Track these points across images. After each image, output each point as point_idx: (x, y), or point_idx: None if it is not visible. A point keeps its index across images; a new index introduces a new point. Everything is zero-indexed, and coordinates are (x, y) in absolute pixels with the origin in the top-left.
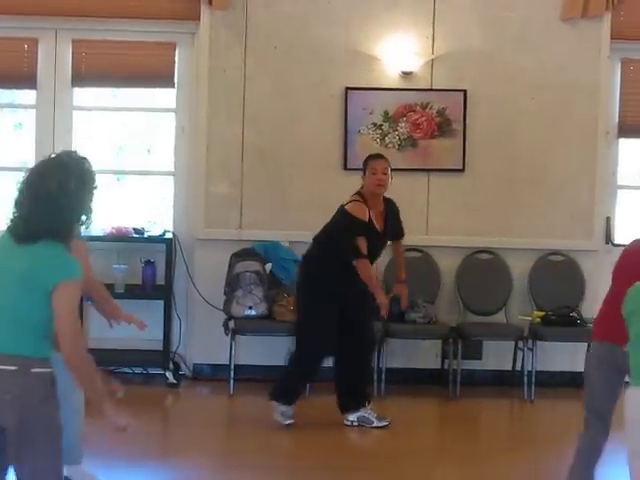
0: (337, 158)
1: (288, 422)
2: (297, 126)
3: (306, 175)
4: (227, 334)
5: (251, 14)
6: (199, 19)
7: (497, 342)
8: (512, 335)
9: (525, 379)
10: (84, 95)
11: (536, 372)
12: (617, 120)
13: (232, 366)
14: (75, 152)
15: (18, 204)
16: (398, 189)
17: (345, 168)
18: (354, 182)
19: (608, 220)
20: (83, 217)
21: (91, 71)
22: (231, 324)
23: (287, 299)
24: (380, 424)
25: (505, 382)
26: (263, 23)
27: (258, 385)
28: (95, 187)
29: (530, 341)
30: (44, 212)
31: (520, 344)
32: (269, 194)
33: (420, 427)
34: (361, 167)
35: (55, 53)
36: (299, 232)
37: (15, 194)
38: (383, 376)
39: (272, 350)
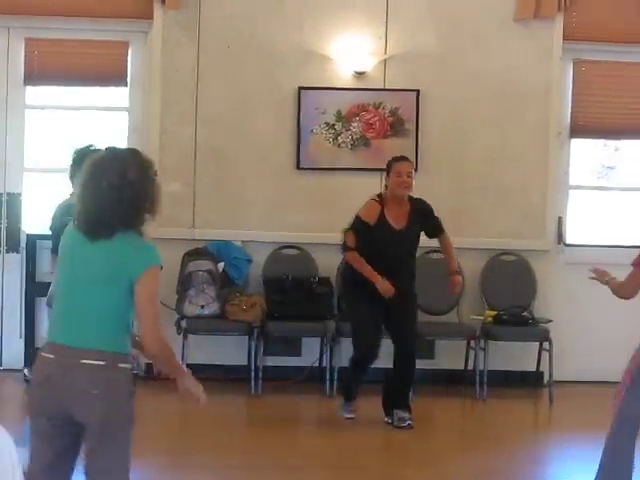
0: (290, 157)
1: (348, 416)
2: (250, 126)
3: (259, 175)
4: (179, 333)
5: (204, 13)
6: (152, 18)
7: (449, 341)
8: (464, 335)
9: (477, 378)
10: (36, 94)
11: (488, 371)
12: (569, 120)
13: (184, 365)
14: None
15: (82, 199)
16: (350, 189)
17: (298, 167)
18: (307, 181)
19: (560, 220)
20: (149, 205)
21: (44, 70)
22: (183, 323)
23: (239, 298)
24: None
25: (457, 381)
26: (216, 23)
27: (210, 384)
28: (156, 176)
29: (482, 340)
30: (110, 204)
31: (472, 343)
32: (222, 193)
33: (371, 426)
34: (314, 167)
35: (7, 51)
36: (252, 231)
37: (77, 190)
38: (335, 375)
39: (224, 349)
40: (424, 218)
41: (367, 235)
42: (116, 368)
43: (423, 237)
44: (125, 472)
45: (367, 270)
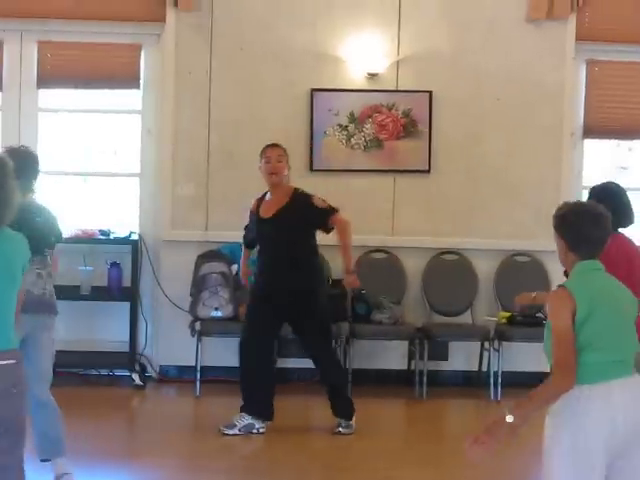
0: (303, 159)
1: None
2: (263, 127)
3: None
4: (193, 335)
5: (217, 16)
6: (165, 20)
7: (463, 343)
8: (478, 336)
9: (491, 380)
10: (50, 97)
11: (502, 373)
12: (582, 121)
13: (198, 367)
14: None
15: None
16: (364, 190)
17: (311, 169)
18: (320, 183)
19: None
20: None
21: (57, 73)
22: (197, 325)
23: None
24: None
25: (471, 383)
26: (229, 25)
27: (224, 386)
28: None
29: (496, 342)
30: None
31: (486, 345)
32: (235, 195)
33: (386, 428)
34: (327, 169)
35: (20, 55)
36: None
37: None
38: (349, 377)
39: (236, 352)
40: (305, 209)
41: (251, 225)
42: (21, 364)
43: (437, 237)
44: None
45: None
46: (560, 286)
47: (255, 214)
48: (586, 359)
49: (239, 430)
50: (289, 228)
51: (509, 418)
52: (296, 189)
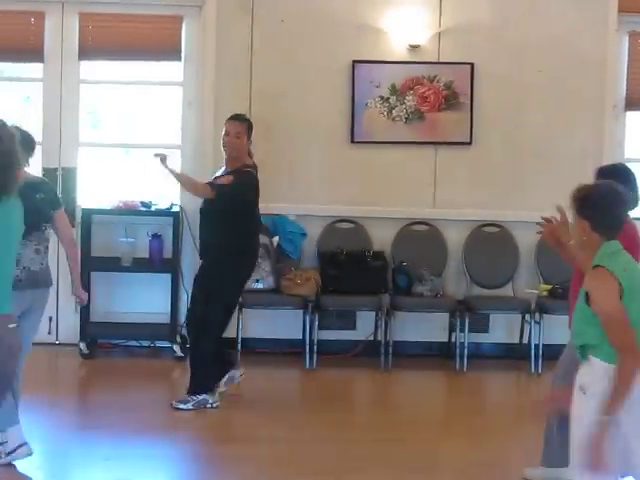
0: (344, 131)
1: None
2: (304, 99)
3: (313, 148)
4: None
5: None
6: None
7: (504, 315)
8: (519, 308)
9: (532, 352)
10: (91, 68)
11: (543, 345)
12: (624, 94)
13: (239, 339)
14: None
15: None
16: (405, 162)
17: (352, 141)
18: (361, 155)
19: None
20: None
21: (98, 44)
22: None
23: (294, 272)
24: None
25: (512, 355)
26: None
27: (265, 358)
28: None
29: (537, 314)
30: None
31: (527, 317)
32: (276, 168)
33: (427, 400)
34: (368, 140)
35: (62, 26)
36: (306, 205)
37: None
38: (390, 349)
39: (279, 323)
40: None
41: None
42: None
43: (478, 210)
44: None
45: None
46: (598, 267)
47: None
48: None
49: (192, 406)
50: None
51: (604, 418)
52: (244, 164)
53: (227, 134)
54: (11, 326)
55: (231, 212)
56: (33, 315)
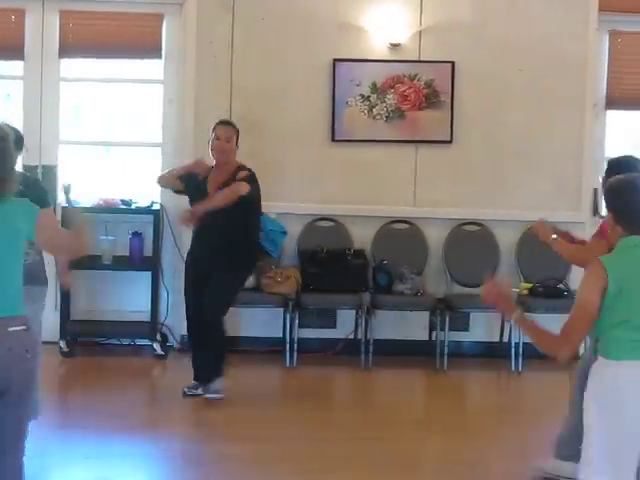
0: (325, 130)
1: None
2: (284, 98)
3: (293, 147)
4: None
5: None
6: None
7: (484, 314)
8: None
9: (512, 351)
10: (71, 66)
11: (523, 344)
12: (605, 92)
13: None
14: None
15: None
16: (386, 160)
17: (333, 140)
18: (342, 153)
19: (595, 192)
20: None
21: (78, 42)
22: None
23: (274, 270)
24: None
25: (492, 354)
26: None
27: (245, 356)
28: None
29: None
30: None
31: None
32: (257, 165)
33: (407, 399)
34: (349, 139)
35: (42, 24)
36: (286, 204)
37: None
38: (370, 347)
39: (259, 321)
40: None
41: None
42: (30, 331)
43: (459, 208)
44: (26, 432)
45: None
46: (597, 259)
47: (203, 182)
48: (618, 335)
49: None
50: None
51: (514, 315)
52: (240, 167)
53: (218, 138)
54: (12, 329)
55: (255, 217)
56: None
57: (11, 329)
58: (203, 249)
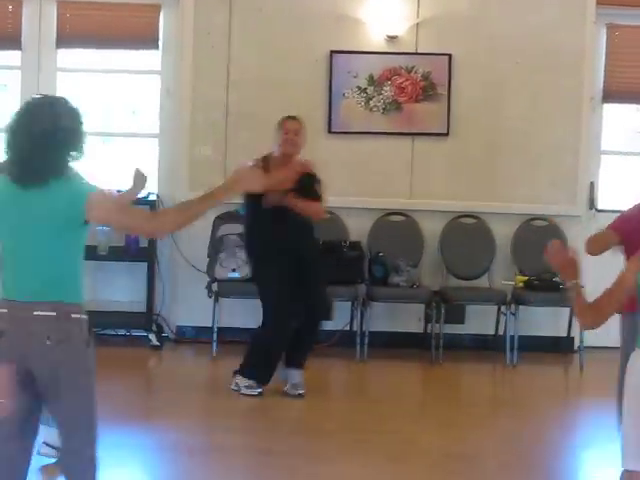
0: (321, 121)
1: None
2: (281, 89)
3: None
4: (210, 296)
5: None
6: None
7: (480, 306)
8: (495, 300)
9: (507, 344)
10: (69, 57)
11: (518, 337)
12: (602, 86)
13: (215, 328)
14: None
15: (11, 147)
16: (382, 153)
17: (329, 131)
18: (338, 145)
19: (592, 185)
20: (78, 152)
21: (76, 32)
22: (214, 286)
23: None
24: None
25: (487, 346)
26: None
27: (241, 347)
28: (83, 123)
29: (513, 306)
30: (42, 150)
31: (503, 309)
32: (253, 157)
33: (402, 390)
34: (346, 131)
35: (40, 14)
36: None
37: (5, 137)
38: (366, 339)
39: (255, 312)
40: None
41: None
42: (69, 318)
43: (455, 201)
44: (92, 422)
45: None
46: None
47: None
48: None
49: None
50: None
51: (573, 284)
52: (304, 164)
53: (287, 132)
54: (37, 313)
55: None
56: None
57: (36, 313)
58: (293, 234)
